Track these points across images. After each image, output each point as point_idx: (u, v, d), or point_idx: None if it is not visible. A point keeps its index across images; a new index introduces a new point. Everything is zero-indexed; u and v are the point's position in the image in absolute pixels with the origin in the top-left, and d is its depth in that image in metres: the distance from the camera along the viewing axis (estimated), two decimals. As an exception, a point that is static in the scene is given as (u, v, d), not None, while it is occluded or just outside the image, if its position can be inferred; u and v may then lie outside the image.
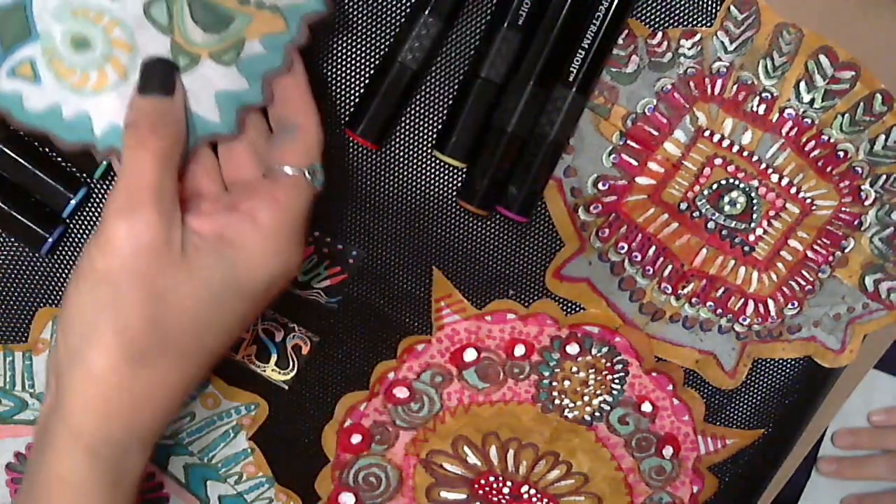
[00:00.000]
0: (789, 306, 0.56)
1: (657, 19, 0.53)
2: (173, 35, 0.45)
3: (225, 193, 0.46)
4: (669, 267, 0.55)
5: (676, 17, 0.53)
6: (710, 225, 0.55)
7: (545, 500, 0.58)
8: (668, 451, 0.57)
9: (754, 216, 0.55)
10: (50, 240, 0.51)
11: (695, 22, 0.53)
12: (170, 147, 0.43)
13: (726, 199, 0.54)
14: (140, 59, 0.44)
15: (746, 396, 0.58)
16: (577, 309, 0.56)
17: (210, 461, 0.56)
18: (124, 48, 0.44)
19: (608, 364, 0.56)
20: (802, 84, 0.53)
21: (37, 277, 0.53)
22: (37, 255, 0.52)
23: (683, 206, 0.54)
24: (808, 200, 0.55)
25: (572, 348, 0.56)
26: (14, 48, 0.44)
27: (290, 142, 0.45)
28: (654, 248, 0.55)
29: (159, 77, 0.44)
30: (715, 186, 0.54)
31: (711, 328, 0.56)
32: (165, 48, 0.45)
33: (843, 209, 0.55)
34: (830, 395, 0.59)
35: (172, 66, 0.44)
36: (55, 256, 0.53)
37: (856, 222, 0.55)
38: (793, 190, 0.55)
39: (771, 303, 0.56)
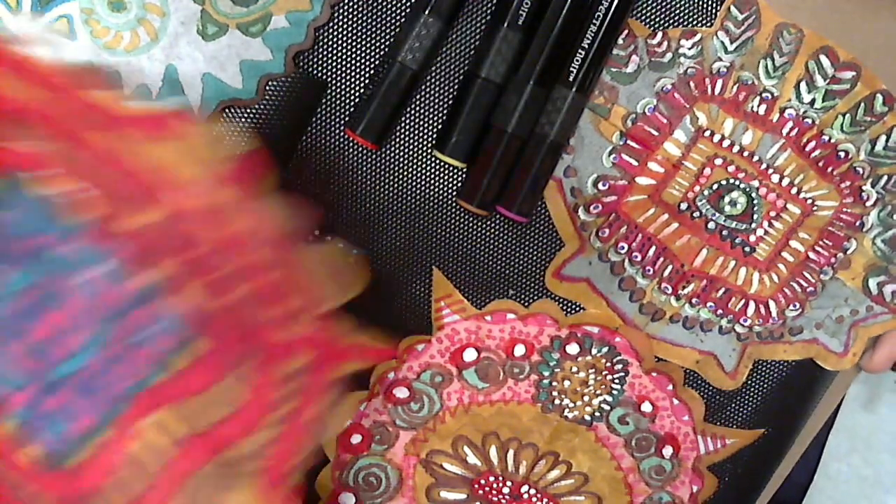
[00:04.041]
0: (791, 308, 0.56)
1: (657, 19, 0.53)
2: (204, 4, 0.49)
3: None
4: (669, 267, 0.55)
5: (676, 17, 0.53)
6: (711, 225, 0.55)
7: (545, 500, 0.58)
8: (667, 450, 0.57)
9: (755, 216, 0.55)
10: None
11: (695, 22, 0.53)
12: None
13: (727, 199, 0.54)
14: (171, 25, 0.49)
15: (746, 396, 0.58)
16: (578, 309, 0.56)
17: (210, 461, 0.56)
18: (157, 13, 0.49)
19: (608, 364, 0.56)
20: (803, 84, 0.53)
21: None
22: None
23: (684, 206, 0.54)
24: (809, 201, 0.55)
25: (572, 348, 0.56)
26: (52, 4, 0.48)
27: None
28: (654, 248, 0.55)
29: None
30: (715, 187, 0.54)
31: (712, 329, 0.56)
32: (195, 16, 0.49)
33: (844, 210, 0.55)
34: (827, 394, 0.59)
35: None
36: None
37: (857, 223, 0.55)
38: (793, 190, 0.55)
39: (772, 304, 0.56)
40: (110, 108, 0.43)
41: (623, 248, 0.55)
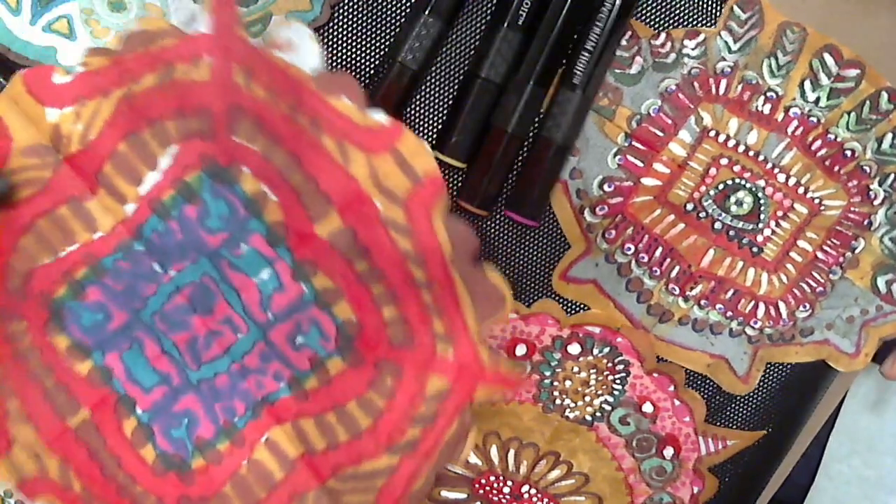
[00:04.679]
0: (801, 309, 0.56)
1: (660, 20, 0.53)
2: (204, 4, 0.48)
3: None
4: (677, 268, 0.55)
5: (679, 18, 0.53)
6: (717, 225, 0.54)
7: (545, 500, 0.58)
8: (668, 451, 0.57)
9: (762, 216, 0.54)
10: None
11: (698, 22, 0.53)
12: None
13: (732, 199, 0.54)
14: (171, 24, 0.48)
15: (747, 398, 0.57)
16: (579, 309, 0.56)
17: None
18: (157, 13, 0.49)
19: (609, 364, 0.56)
20: (807, 83, 0.53)
21: None
22: None
23: (690, 206, 0.54)
24: (817, 200, 0.54)
25: (574, 348, 0.56)
26: (52, 4, 0.48)
27: None
28: (660, 249, 0.55)
29: None
30: (721, 187, 0.54)
31: (722, 331, 0.56)
32: (195, 15, 0.49)
33: (851, 209, 0.55)
34: (827, 394, 0.58)
35: None
36: None
37: (865, 222, 0.55)
38: (800, 190, 0.54)
39: (782, 305, 0.56)
40: (348, 115, 0.44)
41: (630, 249, 0.55)
